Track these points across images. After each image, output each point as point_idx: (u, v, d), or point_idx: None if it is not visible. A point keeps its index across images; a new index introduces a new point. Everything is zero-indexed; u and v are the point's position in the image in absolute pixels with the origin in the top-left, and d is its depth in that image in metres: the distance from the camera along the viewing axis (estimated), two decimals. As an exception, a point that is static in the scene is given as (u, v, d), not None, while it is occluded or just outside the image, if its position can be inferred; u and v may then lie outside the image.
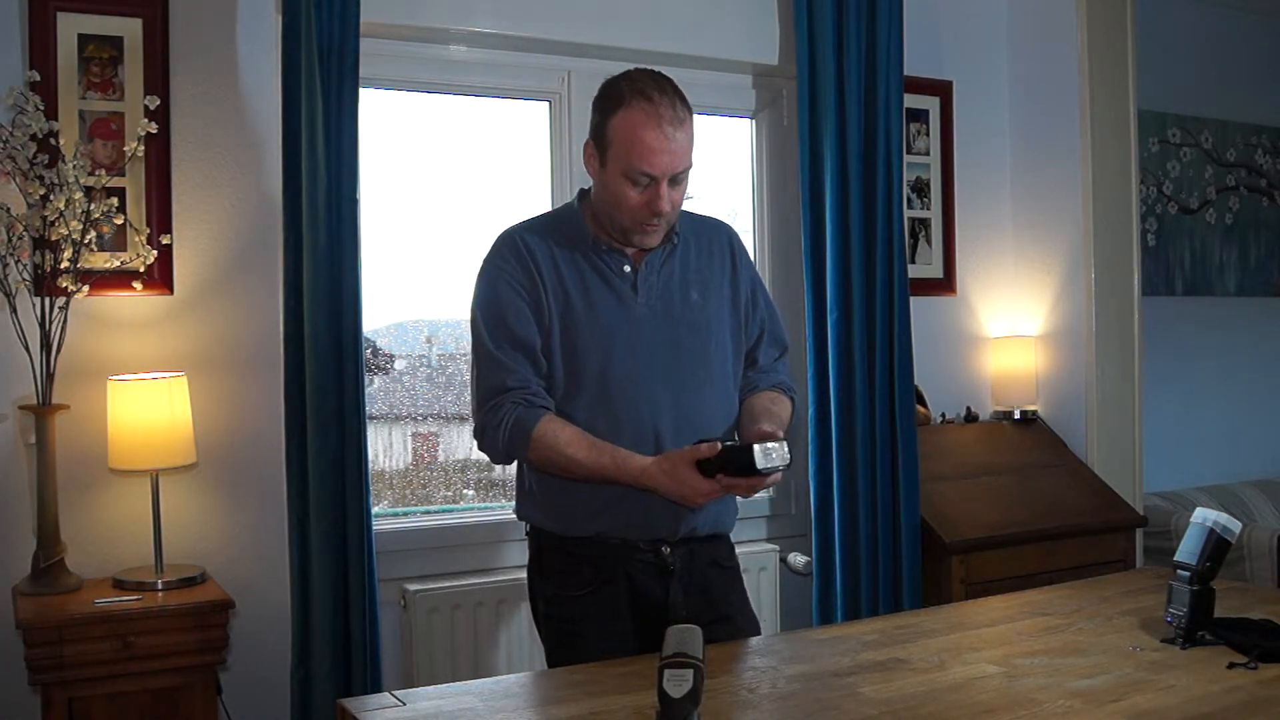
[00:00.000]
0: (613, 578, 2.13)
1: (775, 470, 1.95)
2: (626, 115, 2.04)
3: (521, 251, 2.13)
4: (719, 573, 2.24)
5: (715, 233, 2.30)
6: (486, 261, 2.18)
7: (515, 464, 2.22)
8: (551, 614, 2.19)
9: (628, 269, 2.15)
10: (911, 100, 3.84)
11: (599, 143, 2.10)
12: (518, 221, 2.23)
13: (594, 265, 2.15)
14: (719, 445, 1.97)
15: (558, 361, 2.12)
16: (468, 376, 2.21)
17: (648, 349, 2.13)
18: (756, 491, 2.03)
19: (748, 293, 2.29)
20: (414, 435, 3.49)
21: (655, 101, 2.03)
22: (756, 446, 1.93)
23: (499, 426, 2.07)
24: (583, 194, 2.22)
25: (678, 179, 2.08)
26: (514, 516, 2.30)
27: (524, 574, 2.30)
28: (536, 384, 2.10)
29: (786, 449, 1.95)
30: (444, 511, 3.37)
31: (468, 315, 2.19)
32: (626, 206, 2.07)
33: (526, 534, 2.28)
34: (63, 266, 2.57)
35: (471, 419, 2.19)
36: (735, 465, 1.95)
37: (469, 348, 2.23)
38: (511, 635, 3.14)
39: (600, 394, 2.11)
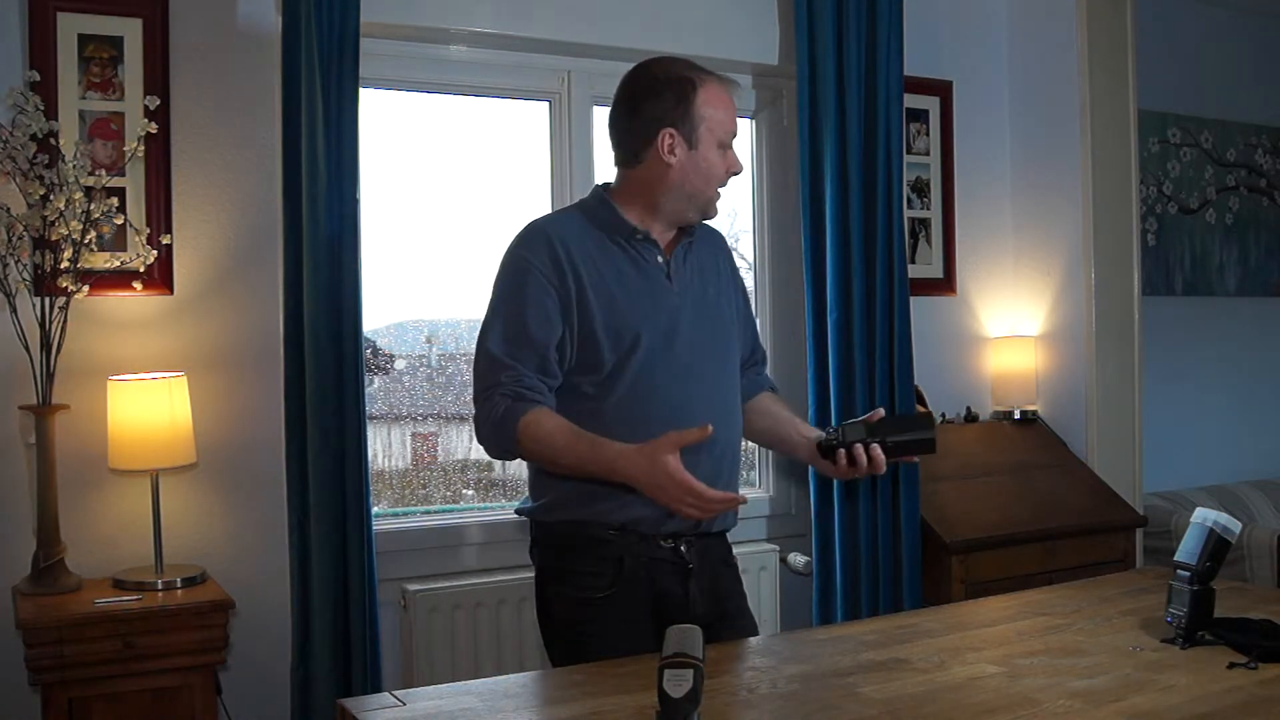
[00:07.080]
0: (635, 578, 2.08)
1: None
2: (707, 91, 2.13)
3: (553, 242, 2.07)
4: (727, 571, 2.24)
5: (713, 236, 2.32)
6: (511, 251, 2.11)
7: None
8: (567, 618, 2.11)
9: (660, 259, 2.15)
10: (911, 100, 3.84)
11: (685, 126, 2.11)
12: (542, 214, 2.21)
13: (629, 254, 2.12)
14: (709, 428, 1.89)
15: (604, 347, 2.05)
16: (468, 376, 2.19)
17: (685, 338, 2.12)
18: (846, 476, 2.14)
19: (740, 299, 2.32)
20: (414, 435, 3.49)
21: (711, 73, 2.16)
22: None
23: (487, 420, 2.03)
24: (605, 187, 2.20)
25: None
26: (514, 516, 2.27)
27: (524, 574, 2.28)
28: (532, 378, 2.03)
29: None
30: (444, 511, 3.36)
31: (471, 314, 2.17)
32: (718, 175, 2.15)
33: (535, 537, 2.20)
34: (63, 266, 2.57)
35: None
36: (892, 431, 2.09)
37: (469, 348, 2.22)
38: (511, 635, 3.14)
39: (642, 380, 2.07)
